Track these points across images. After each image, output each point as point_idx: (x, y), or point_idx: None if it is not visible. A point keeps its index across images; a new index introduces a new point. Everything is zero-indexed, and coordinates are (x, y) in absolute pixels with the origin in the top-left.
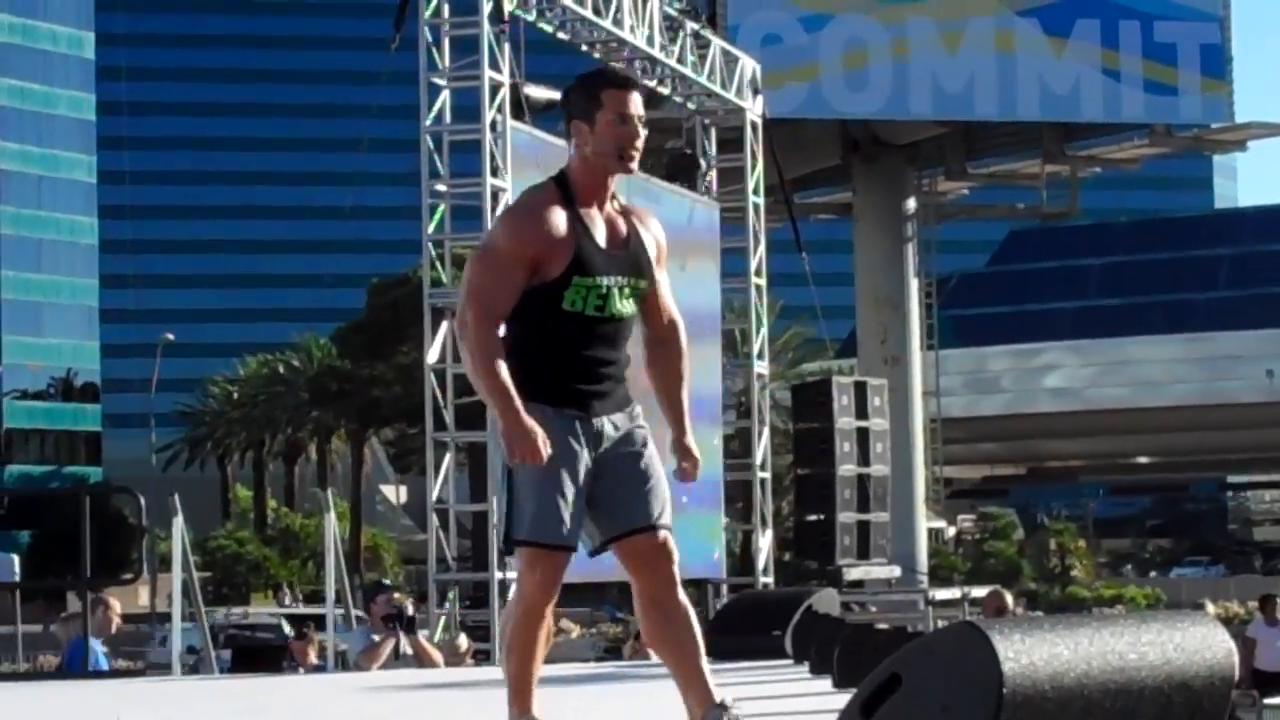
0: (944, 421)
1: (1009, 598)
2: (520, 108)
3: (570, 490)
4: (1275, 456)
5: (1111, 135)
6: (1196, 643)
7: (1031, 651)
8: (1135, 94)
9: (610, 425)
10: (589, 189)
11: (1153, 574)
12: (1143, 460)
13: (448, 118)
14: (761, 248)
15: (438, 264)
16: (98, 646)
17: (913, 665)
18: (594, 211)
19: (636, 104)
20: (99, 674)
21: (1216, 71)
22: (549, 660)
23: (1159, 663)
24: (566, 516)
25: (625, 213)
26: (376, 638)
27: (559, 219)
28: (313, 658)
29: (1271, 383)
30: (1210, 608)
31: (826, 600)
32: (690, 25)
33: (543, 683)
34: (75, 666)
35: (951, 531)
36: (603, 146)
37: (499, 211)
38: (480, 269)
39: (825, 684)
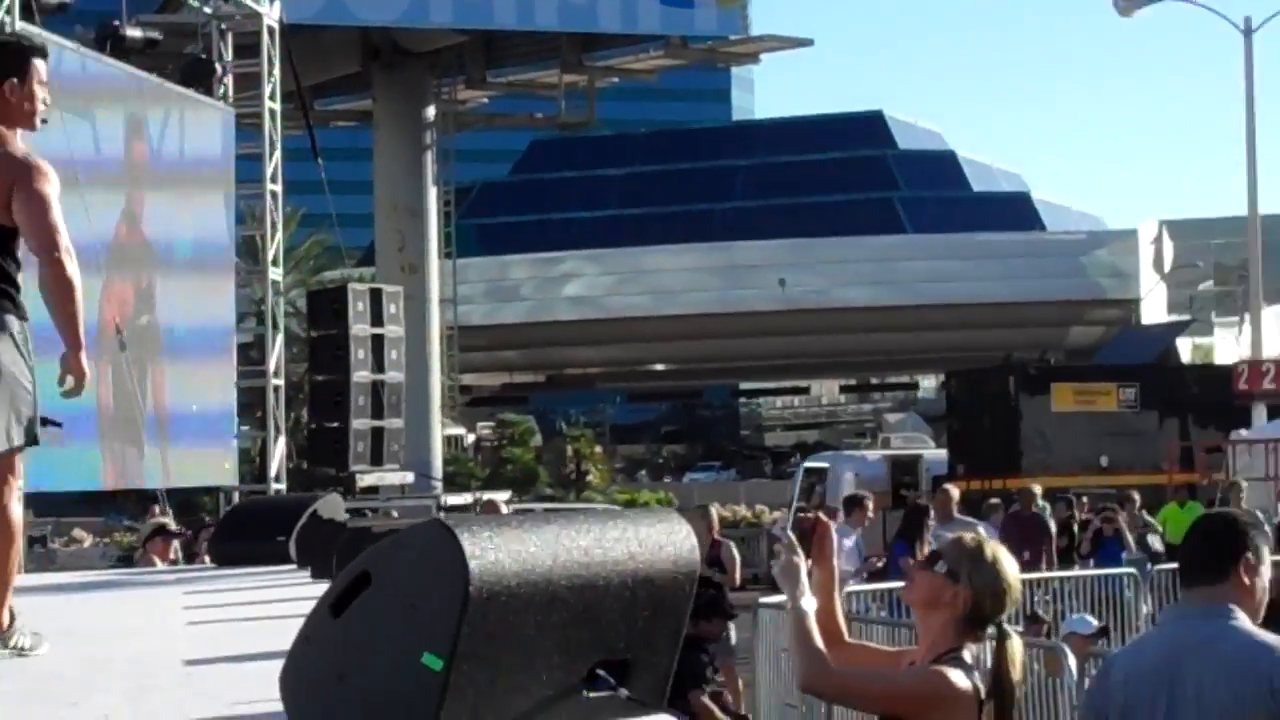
0: (463, 329)
1: (504, 506)
2: (30, 10)
3: None
4: (786, 364)
5: (629, 46)
6: (660, 538)
7: (499, 549)
8: (652, 6)
9: None
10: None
11: (667, 479)
12: (659, 368)
13: None
14: (278, 154)
15: None
16: None
17: (383, 563)
18: None
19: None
20: None
21: None
22: (63, 569)
23: (623, 558)
24: None
25: None
26: None
27: None
28: None
29: (784, 291)
30: (714, 510)
31: (331, 505)
32: None
33: (55, 590)
34: None
35: (470, 438)
36: (30, 106)
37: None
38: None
39: (326, 588)
